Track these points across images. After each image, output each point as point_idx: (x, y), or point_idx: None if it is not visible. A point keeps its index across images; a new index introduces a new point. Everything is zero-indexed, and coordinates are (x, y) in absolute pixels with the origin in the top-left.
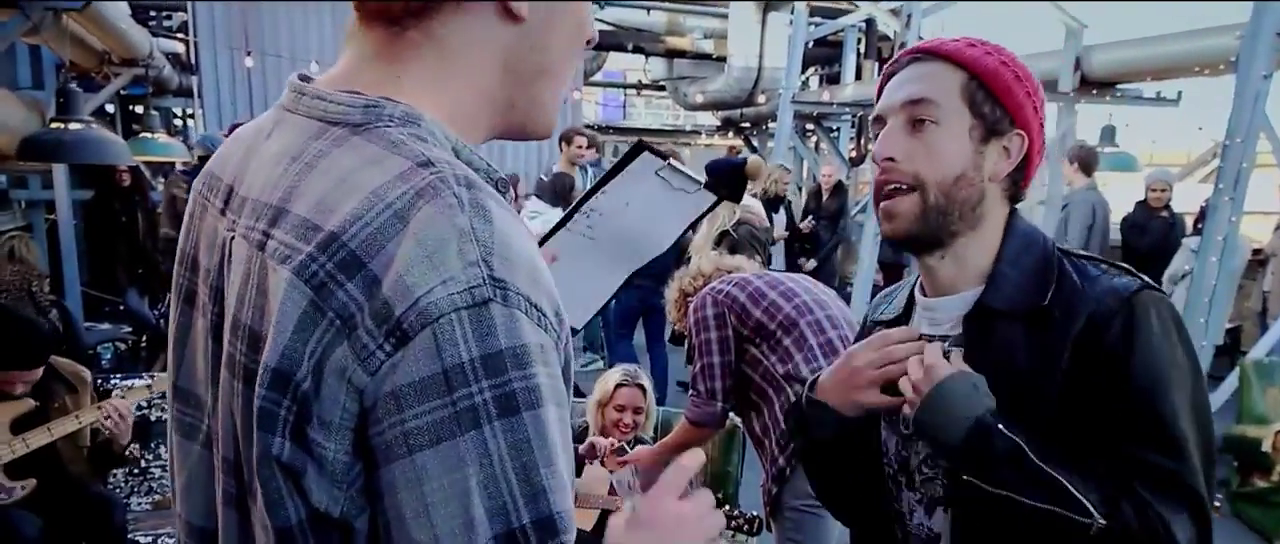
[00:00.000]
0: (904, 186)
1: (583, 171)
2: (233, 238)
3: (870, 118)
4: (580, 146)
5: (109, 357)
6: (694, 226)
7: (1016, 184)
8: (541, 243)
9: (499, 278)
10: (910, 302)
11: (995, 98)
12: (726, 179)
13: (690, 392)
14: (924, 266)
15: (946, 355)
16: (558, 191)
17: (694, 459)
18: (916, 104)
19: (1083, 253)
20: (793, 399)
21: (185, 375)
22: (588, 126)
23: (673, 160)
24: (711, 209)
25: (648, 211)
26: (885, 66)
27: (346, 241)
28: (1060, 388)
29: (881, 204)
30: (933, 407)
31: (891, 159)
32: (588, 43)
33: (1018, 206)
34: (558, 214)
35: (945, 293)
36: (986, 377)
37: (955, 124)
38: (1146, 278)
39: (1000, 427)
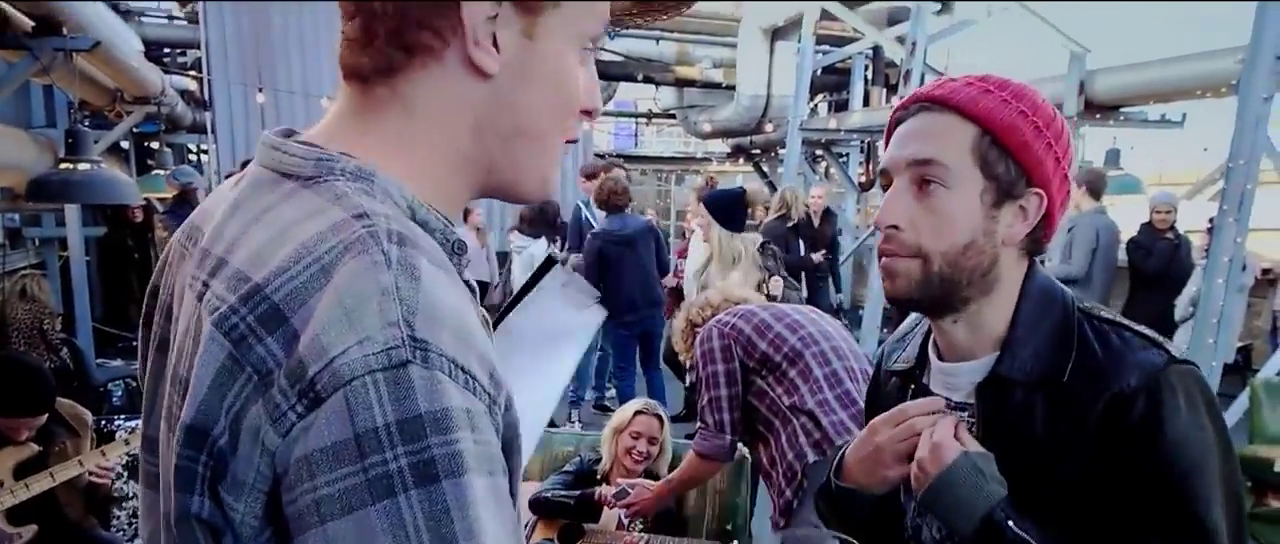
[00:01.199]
0: (904, 254)
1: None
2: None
3: (877, 170)
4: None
5: (120, 393)
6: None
7: (1036, 241)
8: None
9: (420, 339)
10: (924, 355)
11: (1010, 155)
12: (727, 210)
13: (698, 424)
14: (936, 328)
15: (969, 428)
16: (542, 221)
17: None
18: (923, 165)
19: (1106, 316)
20: (801, 433)
21: (154, 425)
22: (598, 156)
23: (576, 273)
24: (603, 324)
25: (562, 332)
26: (893, 112)
27: (269, 294)
28: (1084, 465)
29: (882, 261)
30: (940, 492)
31: (895, 227)
32: (588, 113)
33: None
34: (541, 246)
35: (961, 357)
36: (1004, 448)
37: (965, 188)
38: (1172, 349)
39: (1011, 523)
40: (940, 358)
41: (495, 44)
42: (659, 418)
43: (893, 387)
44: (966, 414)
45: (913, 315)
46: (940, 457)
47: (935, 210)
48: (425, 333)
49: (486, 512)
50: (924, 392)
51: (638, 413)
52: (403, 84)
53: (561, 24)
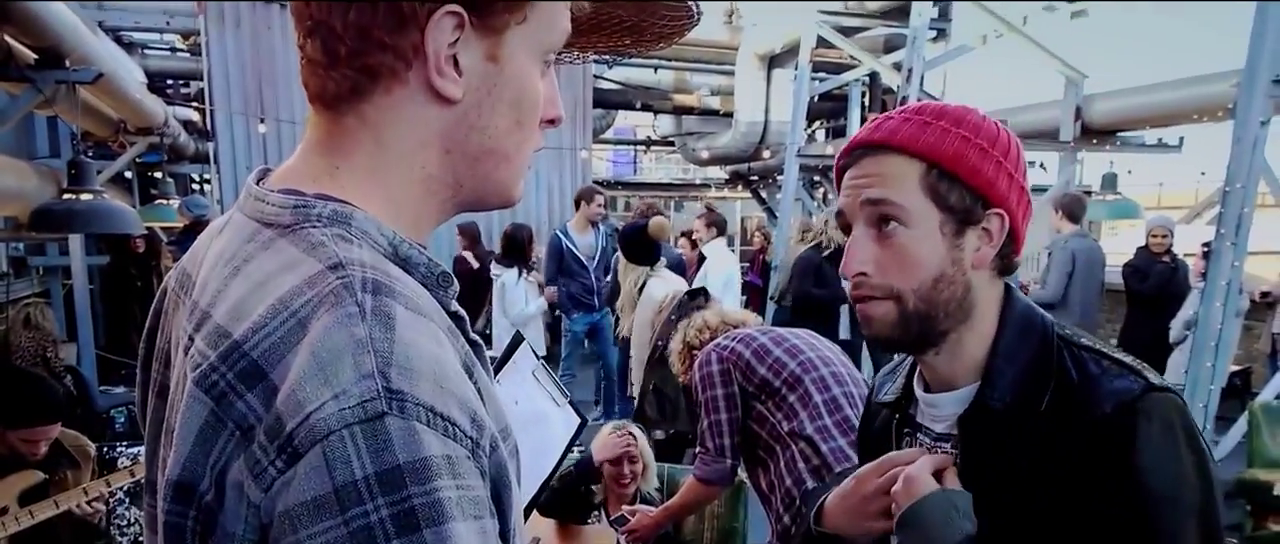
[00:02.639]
0: (878, 297)
1: (595, 229)
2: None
3: (834, 213)
4: (599, 205)
5: (123, 420)
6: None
7: (1006, 258)
8: None
9: (396, 389)
10: (909, 387)
11: (962, 183)
12: (633, 245)
13: (698, 449)
14: (920, 361)
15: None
16: (513, 250)
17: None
18: (876, 205)
19: (1086, 343)
20: (799, 458)
21: (155, 469)
22: (597, 182)
23: (545, 364)
24: (578, 432)
25: (534, 420)
26: (837, 160)
27: (248, 351)
28: (1062, 499)
29: (858, 307)
30: (908, 524)
31: (862, 274)
32: (551, 122)
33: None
34: (513, 275)
35: (944, 387)
36: (986, 480)
37: (923, 223)
38: (1153, 376)
39: None
40: (926, 389)
41: (458, 67)
42: (631, 434)
43: (882, 420)
44: (949, 446)
45: None
46: (912, 490)
47: (898, 250)
48: (401, 383)
49: None
50: (910, 423)
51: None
52: (370, 111)
53: (523, 42)
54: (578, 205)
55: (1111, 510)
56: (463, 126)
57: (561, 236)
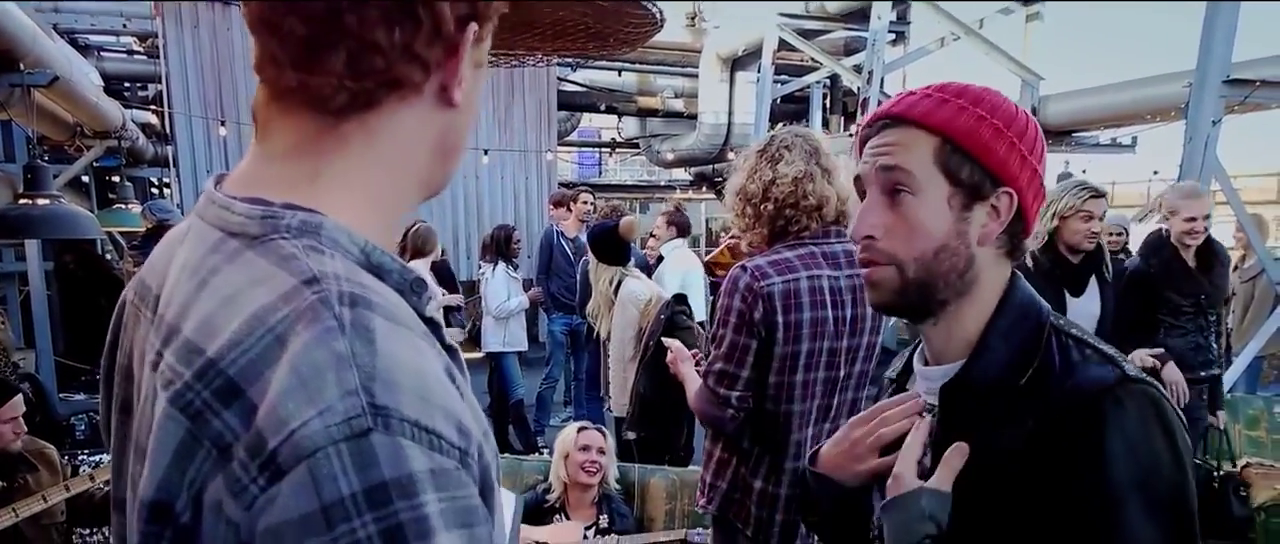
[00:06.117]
0: (881, 262)
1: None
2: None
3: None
4: (587, 203)
5: (83, 428)
6: None
7: (1015, 239)
8: None
9: (380, 405)
10: (910, 362)
11: (973, 159)
12: (603, 243)
13: (704, 371)
14: (922, 332)
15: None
16: (494, 248)
17: None
18: (890, 171)
19: (1075, 334)
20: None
21: (123, 487)
22: (562, 184)
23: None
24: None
25: None
26: (859, 129)
27: (224, 368)
28: (1030, 476)
29: (864, 273)
30: (887, 517)
31: (870, 237)
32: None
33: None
34: (502, 270)
35: (937, 360)
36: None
37: (932, 193)
38: (1130, 368)
39: None
40: (924, 363)
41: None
42: (600, 431)
43: (887, 393)
44: (932, 416)
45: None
46: (898, 486)
47: (906, 218)
48: (385, 398)
49: None
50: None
51: (581, 429)
52: (375, 118)
53: (483, 49)
54: (566, 207)
55: (1079, 494)
56: (454, 128)
57: (556, 232)
